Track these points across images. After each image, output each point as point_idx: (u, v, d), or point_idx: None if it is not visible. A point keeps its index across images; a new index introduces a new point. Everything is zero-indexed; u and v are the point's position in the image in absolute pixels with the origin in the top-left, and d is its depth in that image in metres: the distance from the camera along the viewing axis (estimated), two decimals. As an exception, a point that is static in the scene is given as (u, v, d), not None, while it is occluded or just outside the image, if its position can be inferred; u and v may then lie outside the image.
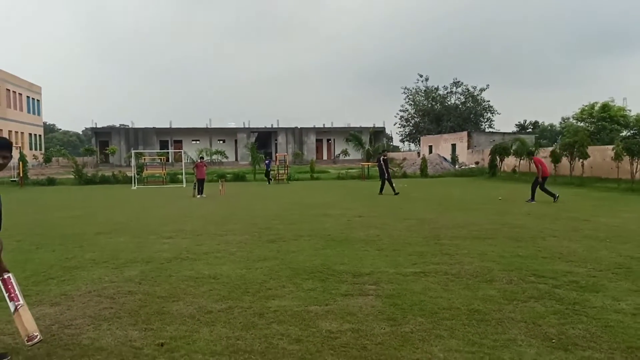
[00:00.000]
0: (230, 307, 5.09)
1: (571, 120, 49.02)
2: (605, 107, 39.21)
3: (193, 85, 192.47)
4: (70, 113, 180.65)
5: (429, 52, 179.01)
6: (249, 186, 27.49)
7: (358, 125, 64.74)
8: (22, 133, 55.20)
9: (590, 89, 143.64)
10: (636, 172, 20.58)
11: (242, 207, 15.55)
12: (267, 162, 32.03)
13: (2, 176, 33.67)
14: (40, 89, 63.32)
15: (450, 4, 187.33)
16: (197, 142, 64.00)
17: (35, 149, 58.64)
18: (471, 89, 67.36)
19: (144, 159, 37.80)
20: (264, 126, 67.61)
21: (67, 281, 6.28)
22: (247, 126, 65.50)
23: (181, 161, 33.36)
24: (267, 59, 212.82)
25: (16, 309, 3.79)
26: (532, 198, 15.64)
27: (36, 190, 26.65)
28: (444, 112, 66.41)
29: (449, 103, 68.43)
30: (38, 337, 3.80)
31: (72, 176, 32.04)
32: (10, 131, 52.21)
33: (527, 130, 77.73)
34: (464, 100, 67.95)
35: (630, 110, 40.31)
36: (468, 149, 46.09)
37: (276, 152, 58.11)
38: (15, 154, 37.61)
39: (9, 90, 53.12)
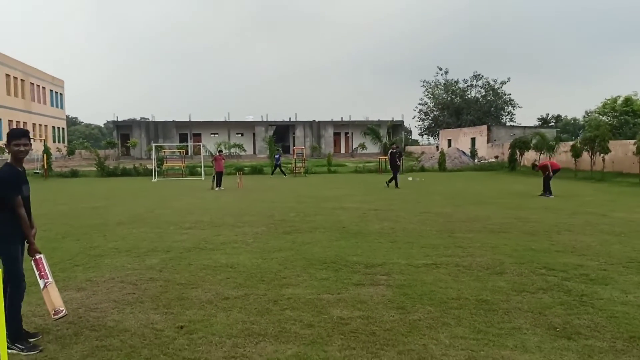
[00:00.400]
0: (246, 294, 5.30)
1: (594, 114, 48.29)
2: (628, 100, 38.53)
3: (212, 78, 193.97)
4: (92, 106, 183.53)
5: (449, 45, 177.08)
6: (266, 179, 27.78)
7: (376, 119, 64.52)
8: (45, 126, 56.40)
9: (615, 82, 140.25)
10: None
11: (259, 199, 15.80)
12: (277, 156, 32.34)
13: (28, 168, 34.59)
14: (63, 83, 64.54)
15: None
16: (216, 135, 64.56)
17: (59, 142, 59.89)
18: (492, 82, 66.64)
19: (164, 151, 38.37)
20: (282, 119, 67.85)
21: (91, 268, 6.57)
22: (265, 119, 65.81)
23: (200, 154, 33.78)
24: (286, 52, 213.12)
25: (45, 286, 4.06)
26: (550, 193, 15.55)
27: (60, 182, 27.34)
28: (463, 106, 65.84)
29: (469, 96, 67.80)
30: (63, 311, 4.05)
31: (95, 168, 32.71)
32: (34, 124, 53.41)
33: (550, 124, 76.62)
34: (484, 93, 67.26)
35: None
36: (488, 142, 45.72)
37: (294, 145, 58.31)
38: (40, 146, 38.58)
39: (33, 84, 54.27)
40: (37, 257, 4.12)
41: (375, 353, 3.75)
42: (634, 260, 6.63)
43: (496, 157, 40.45)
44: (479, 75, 67.24)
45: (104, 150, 53.60)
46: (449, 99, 67.97)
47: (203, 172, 29.94)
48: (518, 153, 31.78)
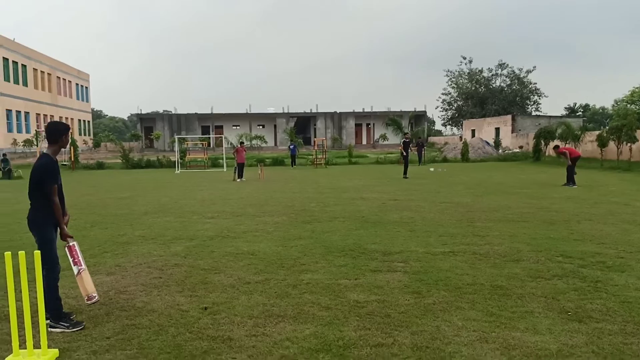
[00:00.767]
0: (266, 279, 5.51)
1: (623, 103, 47.18)
2: (657, 88, 37.48)
3: (234, 71, 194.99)
4: (116, 100, 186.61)
5: (474, 33, 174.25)
6: (287, 170, 28.03)
7: (398, 110, 64.20)
8: (71, 119, 57.67)
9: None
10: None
11: (280, 190, 16.02)
12: (291, 147, 32.59)
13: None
14: (89, 76, 65.84)
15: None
16: (237, 127, 65.13)
17: (85, 135, 61.27)
18: (517, 71, 65.45)
19: (187, 144, 38.95)
20: (303, 111, 68.02)
21: (120, 254, 6.87)
22: (286, 111, 66.08)
23: (222, 146, 34.22)
24: (308, 43, 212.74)
25: (79, 272, 4.32)
26: (573, 182, 15.37)
27: (86, 173, 28.06)
28: (488, 95, 64.90)
29: (494, 86, 66.77)
30: (96, 297, 4.33)
31: (120, 160, 33.45)
32: (60, 117, 54.69)
33: (577, 114, 75.04)
34: (509, 82, 66.13)
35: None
36: (512, 132, 45.12)
37: (315, 137, 58.45)
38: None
39: (60, 77, 55.54)
40: (71, 244, 4.38)
41: (389, 333, 3.90)
42: (653, 248, 6.61)
43: (520, 147, 39.91)
44: (504, 64, 66.10)
45: (128, 143, 54.65)
46: (473, 88, 67.03)
47: (225, 164, 30.34)
48: (543, 143, 31.31)
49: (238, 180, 20.62)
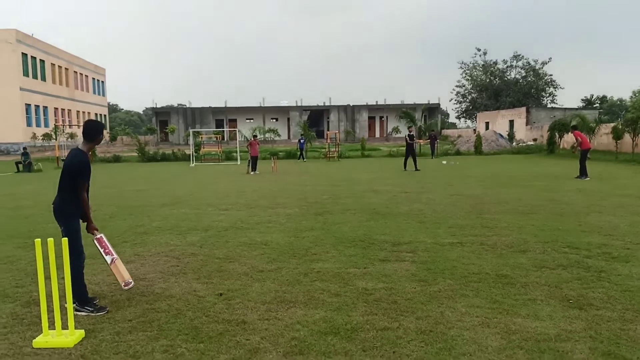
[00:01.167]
0: (278, 267, 5.72)
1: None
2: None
3: (247, 64, 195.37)
4: (131, 93, 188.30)
5: (488, 25, 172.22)
6: (300, 164, 28.25)
7: (412, 102, 63.96)
8: (88, 113, 58.52)
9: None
10: None
11: (293, 183, 16.24)
12: (301, 141, 32.79)
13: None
14: (105, 71, 66.64)
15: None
16: (251, 120, 65.45)
17: (102, 128, 62.02)
18: (532, 63, 64.70)
19: (201, 137, 39.33)
20: (316, 104, 68.11)
21: (138, 244, 7.14)
22: (299, 104, 66.22)
23: (236, 139, 34.54)
24: (321, 36, 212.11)
25: (112, 261, 4.61)
26: (585, 175, 15.34)
27: (104, 166, 28.58)
28: (502, 87, 64.29)
29: (509, 77, 66.11)
30: (132, 283, 4.65)
31: (136, 154, 33.97)
32: (77, 111, 55.57)
33: (594, 105, 74.05)
34: (524, 74, 65.42)
35: None
36: (527, 125, 44.75)
37: (328, 130, 58.57)
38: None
39: (76, 72, 56.33)
40: (98, 236, 4.65)
41: (395, 318, 4.09)
42: (660, 240, 6.69)
43: (535, 139, 39.61)
44: (519, 55, 65.34)
45: (144, 136, 55.33)
46: (487, 80, 66.44)
47: (239, 157, 30.65)
48: (557, 135, 31.07)
49: (252, 173, 20.88)
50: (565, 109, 49.19)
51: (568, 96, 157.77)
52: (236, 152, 31.83)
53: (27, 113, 44.40)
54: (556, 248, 6.32)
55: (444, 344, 3.57)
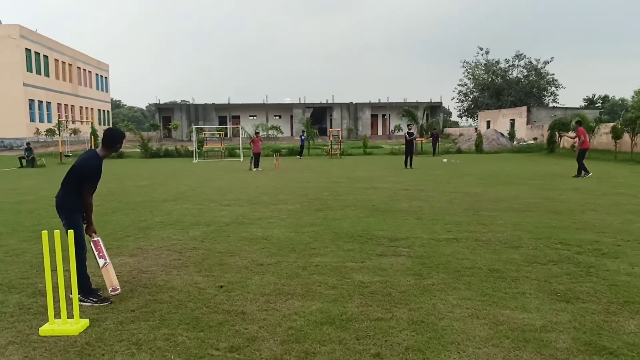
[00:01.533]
0: (278, 261, 5.89)
1: (641, 94, 46.49)
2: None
3: (251, 61, 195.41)
4: (134, 90, 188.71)
5: (491, 24, 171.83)
6: (302, 160, 28.40)
7: (414, 101, 64.01)
8: (91, 109, 58.79)
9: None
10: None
11: (295, 179, 16.40)
12: (302, 137, 32.96)
13: (77, 149, 36.41)
14: (108, 67, 66.85)
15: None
16: (254, 117, 65.60)
17: (104, 124, 62.34)
18: (534, 62, 64.70)
19: (204, 133, 39.49)
20: (319, 102, 68.20)
21: (141, 238, 7.31)
22: (302, 102, 66.33)
23: (239, 136, 34.69)
24: (324, 34, 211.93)
25: (104, 265, 4.74)
26: (587, 171, 15.42)
27: (107, 162, 28.50)
28: (504, 86, 64.30)
29: (511, 77, 66.10)
30: (119, 290, 4.75)
31: (139, 150, 34.16)
32: (81, 107, 55.82)
33: (596, 105, 73.97)
34: (526, 73, 65.42)
35: None
36: (527, 124, 44.82)
37: (331, 127, 58.68)
38: (87, 128, 40.42)
39: (80, 68, 56.56)
40: (95, 239, 4.80)
41: (388, 309, 4.25)
42: (652, 237, 6.83)
43: (535, 138, 39.69)
44: (521, 54, 65.30)
45: (147, 132, 55.44)
46: (489, 79, 66.46)
47: (241, 154, 30.82)
48: (557, 135, 31.15)
49: (254, 169, 21.04)
50: (566, 108, 49.23)
51: (571, 96, 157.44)
52: (239, 149, 31.99)
53: (30, 108, 44.64)
54: (549, 244, 6.47)
55: (434, 334, 3.73)
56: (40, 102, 46.50)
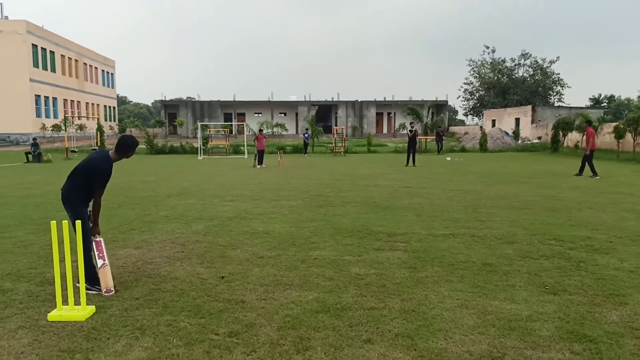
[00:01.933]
0: (278, 254, 6.07)
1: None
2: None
3: (257, 59, 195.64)
4: (140, 86, 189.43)
5: (498, 23, 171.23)
6: (306, 158, 28.58)
7: (420, 99, 64.03)
8: (97, 105, 59.18)
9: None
10: None
11: (298, 176, 16.58)
12: (306, 135, 33.13)
13: (83, 145, 36.73)
14: (114, 63, 67.23)
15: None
16: (259, 114, 65.81)
17: (110, 120, 62.79)
18: (540, 61, 64.57)
19: (209, 130, 39.71)
20: (324, 99, 68.32)
21: (146, 232, 7.51)
22: (307, 99, 66.47)
23: (243, 133, 34.87)
24: (330, 31, 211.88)
25: (103, 266, 4.89)
26: (595, 173, 15.45)
27: (113, 158, 28.95)
28: (510, 85, 64.23)
29: (516, 76, 66.01)
30: (113, 291, 4.84)
31: (144, 146, 34.41)
32: (87, 103, 56.21)
33: (602, 105, 73.74)
34: (532, 72, 65.31)
35: None
36: (532, 123, 44.81)
37: (336, 125, 58.83)
38: (94, 124, 40.75)
39: (86, 64, 56.93)
40: (98, 239, 4.97)
41: (382, 300, 4.43)
42: (645, 235, 6.97)
43: (539, 138, 39.71)
44: (527, 53, 65.17)
45: (152, 129, 55.79)
46: (495, 78, 66.38)
47: (246, 151, 31.02)
48: (561, 134, 31.19)
49: (258, 166, 21.24)
50: (571, 107, 49.15)
51: (577, 95, 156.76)
52: (243, 146, 32.20)
53: (36, 104, 45.03)
54: (542, 240, 6.63)
55: (424, 322, 3.90)
56: (47, 97, 46.89)
